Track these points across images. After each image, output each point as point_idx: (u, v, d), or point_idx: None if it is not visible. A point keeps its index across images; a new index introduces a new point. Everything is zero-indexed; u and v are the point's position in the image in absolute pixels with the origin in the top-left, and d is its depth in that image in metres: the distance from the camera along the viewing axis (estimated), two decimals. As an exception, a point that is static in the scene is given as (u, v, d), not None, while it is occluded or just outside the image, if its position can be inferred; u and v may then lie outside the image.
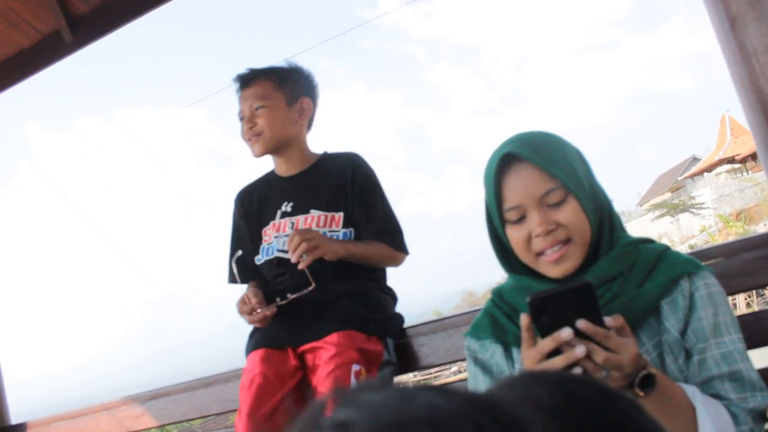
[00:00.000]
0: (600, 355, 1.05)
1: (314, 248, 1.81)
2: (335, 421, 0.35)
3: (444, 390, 0.37)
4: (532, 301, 1.09)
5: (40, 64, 3.11)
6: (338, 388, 0.39)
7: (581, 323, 1.06)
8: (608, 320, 1.09)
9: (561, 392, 0.52)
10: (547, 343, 1.07)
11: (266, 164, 2.20)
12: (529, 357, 1.10)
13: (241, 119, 2.06)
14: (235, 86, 2.10)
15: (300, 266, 1.82)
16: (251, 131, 2.02)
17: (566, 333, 1.05)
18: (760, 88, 1.55)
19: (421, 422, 0.33)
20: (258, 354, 1.90)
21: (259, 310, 1.88)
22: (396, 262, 2.03)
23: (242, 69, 2.12)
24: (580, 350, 1.05)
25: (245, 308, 1.90)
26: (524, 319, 1.12)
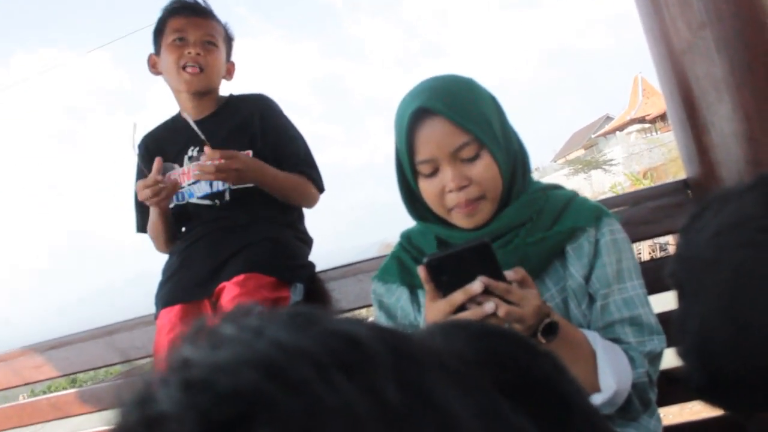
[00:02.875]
0: (502, 309, 1.05)
1: (233, 176, 1.77)
2: (179, 360, 0.33)
3: (308, 319, 0.34)
4: (429, 262, 1.08)
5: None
6: (212, 318, 0.36)
7: (482, 279, 1.06)
8: (509, 274, 1.09)
9: (484, 347, 0.49)
10: (458, 296, 1.06)
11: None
12: (437, 309, 1.09)
13: (179, 40, 1.89)
14: (176, 6, 1.94)
15: (197, 177, 1.79)
16: (197, 58, 1.87)
17: (477, 286, 1.05)
18: (669, 39, 1.57)
19: (256, 365, 0.30)
20: (174, 311, 1.84)
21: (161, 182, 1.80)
22: (313, 201, 1.99)
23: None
24: (489, 306, 1.05)
25: (148, 182, 1.80)
26: (422, 273, 1.10)
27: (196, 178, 1.79)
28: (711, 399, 0.67)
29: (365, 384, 0.31)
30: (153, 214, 1.94)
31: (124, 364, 2.49)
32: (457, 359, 0.47)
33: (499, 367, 0.48)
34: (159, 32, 1.96)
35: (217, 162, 1.73)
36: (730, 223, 0.65)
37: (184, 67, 1.89)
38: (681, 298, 0.69)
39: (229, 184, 1.87)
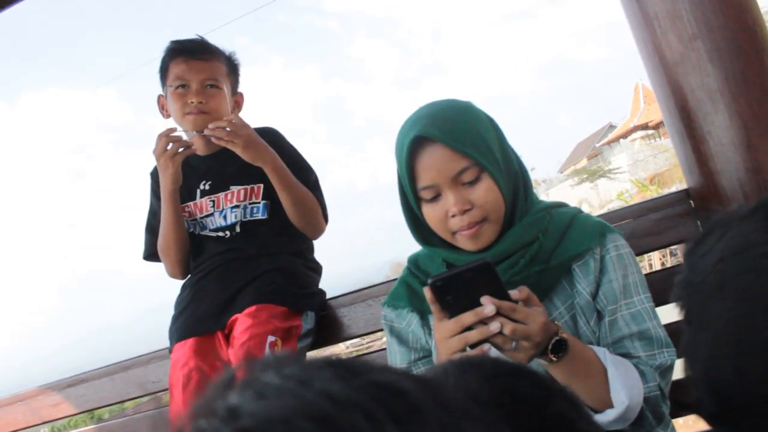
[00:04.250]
0: (508, 327, 1.06)
1: (237, 142, 1.80)
2: (225, 408, 0.33)
3: (350, 369, 0.35)
4: (434, 283, 1.10)
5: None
6: (244, 363, 0.38)
7: (486, 299, 1.07)
8: (513, 293, 1.11)
9: (498, 386, 0.50)
10: (468, 318, 1.07)
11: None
12: (445, 329, 1.10)
13: (181, 87, 1.91)
14: (176, 48, 1.96)
15: (208, 133, 1.81)
16: (200, 107, 1.89)
17: (489, 309, 1.06)
18: (662, 52, 1.60)
19: (308, 417, 0.31)
20: (188, 345, 1.86)
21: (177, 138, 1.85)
22: (319, 225, 1.99)
23: (190, 36, 2.00)
24: (494, 326, 1.06)
25: (164, 131, 1.85)
26: (427, 294, 1.12)
27: (209, 134, 1.80)
28: (721, 426, 0.66)
29: None
30: (164, 209, 1.93)
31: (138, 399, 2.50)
32: (474, 400, 0.47)
33: (514, 406, 0.48)
34: (163, 75, 1.98)
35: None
36: (733, 249, 0.64)
37: (189, 113, 1.90)
38: (687, 324, 0.68)
39: (238, 151, 1.83)
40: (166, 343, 1.99)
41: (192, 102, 1.89)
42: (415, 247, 1.46)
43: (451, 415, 0.35)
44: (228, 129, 1.78)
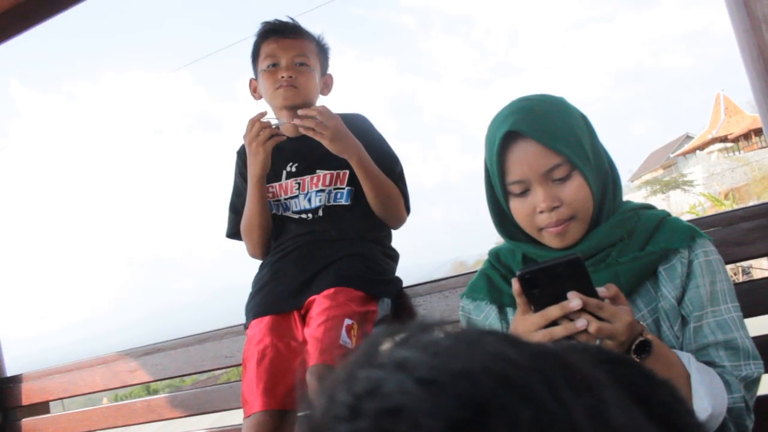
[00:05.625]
0: (593, 325, 1.05)
1: (325, 134, 1.82)
2: (395, 360, 0.33)
3: (511, 338, 0.35)
4: (522, 275, 1.09)
5: (26, 24, 2.98)
6: (395, 326, 0.38)
7: (573, 294, 1.06)
8: (601, 290, 1.09)
9: (604, 373, 0.50)
10: (554, 311, 1.07)
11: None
12: (529, 322, 1.10)
13: (272, 65, 1.97)
14: (267, 29, 2.02)
15: (297, 122, 1.83)
16: (290, 81, 1.93)
17: (575, 303, 1.05)
18: (767, 56, 1.55)
19: (489, 374, 0.31)
20: (265, 322, 1.90)
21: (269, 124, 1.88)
22: (401, 216, 2.01)
23: (282, 18, 2.05)
24: (581, 323, 1.05)
25: (255, 117, 1.89)
26: (515, 285, 1.11)
27: (298, 123, 1.83)
28: None
29: (592, 404, 0.32)
30: (251, 193, 1.96)
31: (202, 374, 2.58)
32: None
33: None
34: (254, 57, 2.04)
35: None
36: None
37: (279, 87, 1.95)
38: None
39: (325, 142, 1.85)
40: (228, 324, 2.03)
41: (282, 77, 1.94)
42: (479, 248, 1.46)
43: (617, 394, 0.35)
44: (317, 119, 1.81)
